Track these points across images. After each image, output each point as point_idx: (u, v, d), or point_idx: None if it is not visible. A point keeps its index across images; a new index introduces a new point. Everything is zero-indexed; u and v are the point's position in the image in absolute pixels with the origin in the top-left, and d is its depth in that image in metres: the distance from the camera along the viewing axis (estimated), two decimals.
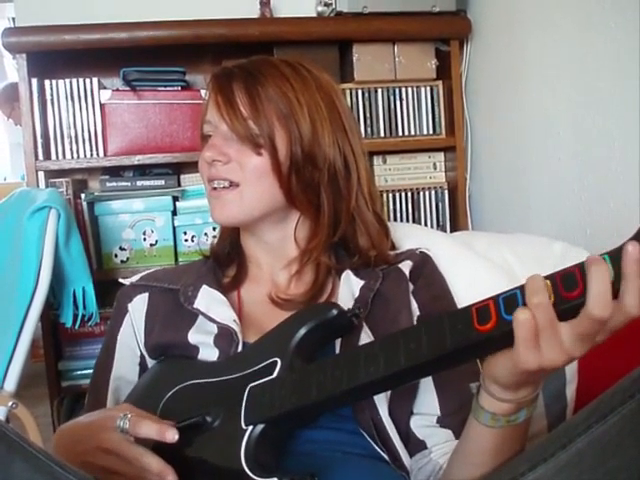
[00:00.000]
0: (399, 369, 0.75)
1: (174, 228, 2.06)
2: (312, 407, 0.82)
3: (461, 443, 0.87)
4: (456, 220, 2.15)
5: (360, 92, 2.09)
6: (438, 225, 2.15)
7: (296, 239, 1.09)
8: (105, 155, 2.00)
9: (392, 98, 2.11)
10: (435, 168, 2.18)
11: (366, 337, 0.97)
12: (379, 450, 0.94)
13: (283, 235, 1.09)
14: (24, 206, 1.57)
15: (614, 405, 0.68)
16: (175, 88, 2.04)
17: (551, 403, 1.16)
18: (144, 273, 1.15)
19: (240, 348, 0.98)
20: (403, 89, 2.12)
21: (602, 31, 1.51)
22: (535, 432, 1.07)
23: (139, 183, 2.03)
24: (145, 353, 1.07)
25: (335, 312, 0.91)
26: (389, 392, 0.95)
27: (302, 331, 0.90)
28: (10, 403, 1.44)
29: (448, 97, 2.14)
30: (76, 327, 1.73)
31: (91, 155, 2.00)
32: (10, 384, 1.47)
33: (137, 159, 1.98)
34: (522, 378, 0.72)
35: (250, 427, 0.84)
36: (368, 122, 2.10)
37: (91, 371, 1.14)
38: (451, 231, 2.12)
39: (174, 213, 2.06)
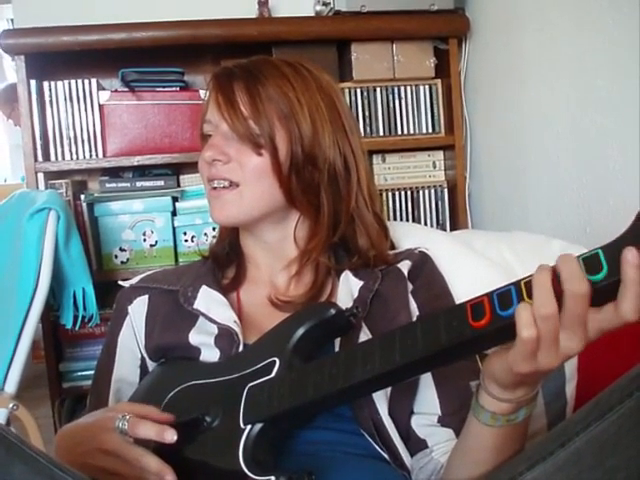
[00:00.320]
0: (395, 366, 0.75)
1: (174, 229, 2.06)
2: (310, 406, 0.83)
3: (461, 442, 0.87)
4: (455, 219, 2.15)
5: (359, 91, 2.09)
6: (438, 224, 2.15)
7: (295, 239, 1.09)
8: (104, 156, 2.00)
9: (391, 97, 2.11)
10: (434, 167, 2.18)
11: (365, 337, 0.97)
12: (379, 450, 0.94)
13: (283, 235, 1.09)
14: (24, 208, 1.57)
15: (612, 404, 0.68)
16: (174, 88, 2.04)
17: (551, 401, 1.16)
18: (143, 275, 1.15)
19: (241, 349, 0.98)
20: (402, 88, 2.12)
21: (600, 29, 1.51)
22: (535, 430, 1.08)
23: (138, 184, 2.03)
24: (145, 355, 1.07)
25: (333, 311, 0.91)
26: (389, 391, 0.95)
27: (300, 331, 0.90)
28: (11, 405, 1.44)
29: (447, 95, 2.14)
30: (76, 328, 1.73)
31: (90, 156, 2.00)
32: (11, 386, 1.47)
33: (136, 160, 1.99)
34: (519, 379, 0.73)
35: (248, 426, 0.84)
36: (367, 121, 2.10)
37: (92, 372, 1.15)
38: (451, 230, 2.12)
39: (174, 214, 2.06)
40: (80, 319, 1.69)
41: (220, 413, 0.88)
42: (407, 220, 2.12)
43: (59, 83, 1.98)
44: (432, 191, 2.16)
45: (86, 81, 1.99)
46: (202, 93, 1.97)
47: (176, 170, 2.10)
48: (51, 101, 1.98)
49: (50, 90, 1.98)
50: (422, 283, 1.08)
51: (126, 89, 2.01)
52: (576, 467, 0.68)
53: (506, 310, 0.69)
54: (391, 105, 2.11)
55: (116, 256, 2.03)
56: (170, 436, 0.82)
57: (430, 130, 2.14)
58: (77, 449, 0.88)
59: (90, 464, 0.85)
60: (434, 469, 0.95)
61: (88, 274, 1.69)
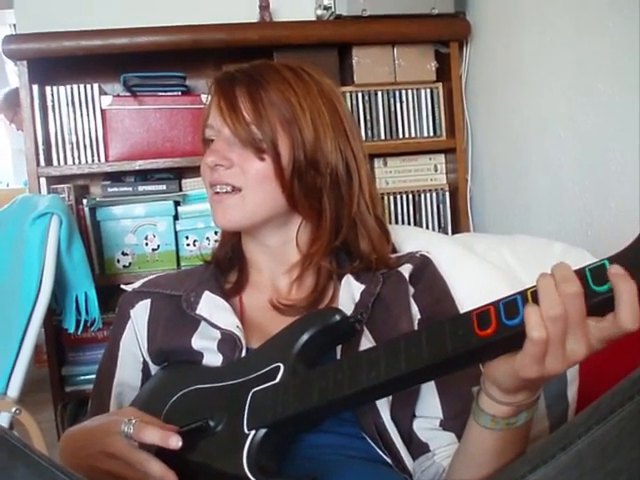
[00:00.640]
0: (400, 374, 0.75)
1: (176, 233, 2.06)
2: (314, 412, 0.83)
3: (462, 445, 0.87)
4: (457, 222, 2.15)
5: (360, 95, 2.09)
6: (439, 227, 2.16)
7: (297, 244, 1.09)
8: (106, 160, 2.00)
9: (392, 101, 2.11)
10: (436, 170, 2.18)
11: (367, 341, 0.98)
12: (382, 453, 0.94)
13: (285, 240, 1.09)
14: (26, 212, 1.58)
15: (614, 406, 0.68)
16: (175, 93, 2.04)
17: (553, 404, 1.16)
18: (146, 279, 1.15)
19: (244, 354, 0.98)
20: (403, 91, 2.12)
21: (600, 32, 1.51)
22: (537, 433, 1.08)
23: (140, 188, 2.03)
24: (148, 359, 1.07)
25: (338, 318, 0.91)
26: (391, 396, 0.95)
27: (305, 337, 0.90)
28: (14, 409, 1.44)
29: (448, 99, 2.14)
30: (79, 332, 1.73)
31: (92, 161, 2.01)
32: (13, 390, 1.48)
33: (138, 164, 1.99)
34: (522, 383, 0.73)
35: (253, 432, 0.84)
36: (368, 125, 2.10)
37: (94, 376, 1.15)
38: (452, 233, 2.12)
39: (176, 218, 2.06)
40: (82, 323, 1.69)
41: (224, 418, 0.88)
42: (409, 224, 2.12)
43: (61, 88, 1.98)
44: (433, 194, 2.16)
45: (88, 86, 1.99)
46: (204, 97, 1.97)
47: (178, 174, 2.11)
48: (53, 106, 1.98)
49: (52, 95, 1.98)
50: (423, 287, 1.08)
51: (128, 94, 2.01)
52: (578, 470, 0.68)
53: (512, 319, 0.69)
54: (392, 109, 2.11)
55: (118, 260, 2.03)
56: (175, 442, 0.82)
57: (431, 133, 2.14)
58: (81, 452, 0.88)
59: (94, 467, 0.85)
60: (436, 473, 0.95)
61: (90, 278, 1.69)
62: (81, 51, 1.92)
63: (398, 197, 2.14)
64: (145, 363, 1.08)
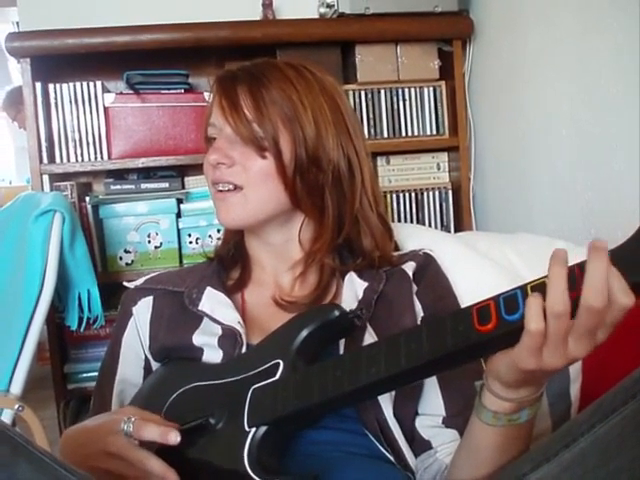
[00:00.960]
0: (400, 370, 0.75)
1: (178, 230, 2.06)
2: (315, 408, 0.83)
3: (464, 441, 0.87)
4: (460, 220, 2.16)
5: (363, 93, 2.09)
6: (442, 225, 2.16)
7: (300, 241, 1.09)
8: (109, 158, 2.01)
9: (395, 99, 2.11)
10: (439, 168, 2.18)
11: (370, 338, 0.98)
12: (384, 450, 0.94)
13: (287, 237, 1.09)
14: (29, 210, 1.58)
15: (616, 405, 0.68)
16: (178, 91, 2.04)
17: (555, 402, 1.16)
18: (148, 276, 1.15)
19: (244, 350, 0.98)
20: (406, 90, 2.12)
21: (604, 31, 1.51)
22: (540, 431, 1.07)
23: (143, 186, 2.04)
24: (150, 356, 1.07)
25: (337, 313, 0.91)
26: (393, 392, 0.95)
27: (304, 333, 0.90)
28: (16, 406, 1.44)
29: (451, 97, 2.14)
30: (81, 330, 1.73)
31: (95, 158, 2.01)
32: (16, 387, 1.48)
33: (141, 162, 1.99)
34: (523, 377, 0.73)
35: (253, 429, 0.84)
36: (371, 123, 2.10)
37: (97, 374, 1.15)
38: (455, 231, 2.12)
39: (178, 215, 2.07)
40: (85, 321, 1.69)
41: (224, 415, 0.88)
42: (411, 222, 2.12)
43: (64, 86, 1.99)
44: (436, 193, 2.16)
45: (91, 83, 2.00)
46: (207, 95, 1.97)
47: (181, 172, 2.11)
48: (56, 103, 1.99)
49: (55, 93, 1.99)
50: (427, 284, 1.08)
51: (131, 91, 2.02)
52: (580, 468, 0.68)
53: (512, 314, 0.68)
54: (395, 107, 2.11)
55: (121, 258, 2.04)
56: (174, 438, 0.82)
57: (434, 132, 2.14)
58: (82, 451, 0.88)
59: (95, 466, 0.85)
60: (438, 470, 0.95)
61: (93, 276, 1.69)
62: (84, 49, 1.93)
63: (401, 195, 2.14)
64: (147, 360, 1.08)
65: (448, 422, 0.97)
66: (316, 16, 2.13)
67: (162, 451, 0.83)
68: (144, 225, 2.04)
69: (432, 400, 0.99)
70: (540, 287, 0.68)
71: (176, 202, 2.06)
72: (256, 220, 1.05)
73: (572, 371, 1.16)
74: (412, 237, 1.23)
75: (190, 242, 2.06)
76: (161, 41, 1.95)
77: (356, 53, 2.06)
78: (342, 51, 2.09)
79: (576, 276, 0.66)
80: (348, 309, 0.96)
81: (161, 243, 2.05)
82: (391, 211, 2.11)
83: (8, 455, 0.67)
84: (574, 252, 1.22)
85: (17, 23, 2.36)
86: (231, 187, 1.03)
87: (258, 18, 2.11)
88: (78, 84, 1.99)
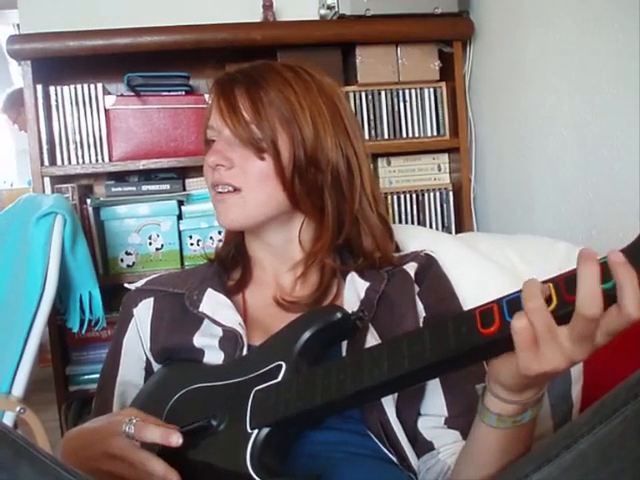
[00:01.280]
0: (403, 372, 0.75)
1: (179, 232, 2.06)
2: (317, 410, 0.83)
3: (468, 444, 0.87)
4: (461, 221, 2.15)
5: (364, 94, 2.09)
6: (443, 226, 2.15)
7: (300, 242, 1.09)
8: (110, 160, 2.01)
9: (396, 100, 2.11)
10: (439, 169, 2.18)
11: (372, 339, 0.98)
12: (386, 451, 0.94)
13: (288, 238, 1.09)
14: (30, 212, 1.58)
15: (617, 406, 0.68)
16: (179, 93, 2.05)
17: (557, 403, 1.16)
18: (149, 278, 1.15)
19: (245, 351, 0.98)
20: (407, 91, 2.12)
21: (604, 31, 1.51)
22: (541, 433, 1.07)
23: (144, 188, 2.04)
24: (151, 358, 1.07)
25: (339, 315, 0.91)
26: (396, 394, 0.95)
27: (306, 334, 0.90)
28: (18, 408, 1.44)
29: (452, 98, 2.14)
30: (83, 332, 1.73)
31: (96, 160, 2.01)
32: (18, 389, 1.48)
33: (142, 164, 1.99)
34: (525, 381, 0.73)
35: (255, 431, 0.84)
36: (372, 124, 2.10)
37: (98, 376, 1.15)
38: (456, 232, 2.11)
39: (179, 217, 2.06)
40: (87, 323, 1.69)
41: (226, 417, 0.88)
42: (412, 223, 2.12)
43: (65, 88, 1.99)
44: (437, 194, 2.16)
45: (92, 86, 2.00)
46: (207, 97, 1.95)
47: (182, 174, 2.11)
48: (57, 106, 1.99)
49: (56, 95, 1.99)
50: (428, 285, 1.08)
51: (132, 93, 2.02)
52: (581, 469, 0.68)
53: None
54: (396, 108, 2.11)
55: (122, 260, 2.04)
56: (176, 439, 0.82)
57: (435, 133, 2.14)
58: (83, 453, 0.88)
59: (96, 468, 0.85)
60: (441, 471, 0.95)
61: (94, 278, 1.69)
62: (85, 51, 1.93)
63: (402, 196, 2.13)
64: (148, 362, 1.08)
65: (450, 423, 0.97)
66: (316, 18, 2.13)
67: (164, 453, 0.83)
68: (145, 227, 2.04)
69: (434, 401, 0.99)
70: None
71: (177, 204, 2.06)
72: (255, 221, 1.05)
73: (573, 372, 1.16)
74: (413, 238, 1.23)
75: (191, 244, 2.06)
76: (162, 43, 1.95)
77: (356, 54, 2.06)
78: (342, 53, 2.09)
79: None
80: (350, 309, 0.96)
81: (162, 245, 2.05)
82: (392, 212, 2.11)
83: (10, 458, 0.67)
84: (574, 253, 1.23)
85: (18, 25, 2.36)
86: (230, 189, 1.03)
87: (258, 20, 2.11)
88: (79, 86, 1.99)
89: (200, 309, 1.05)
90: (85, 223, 1.99)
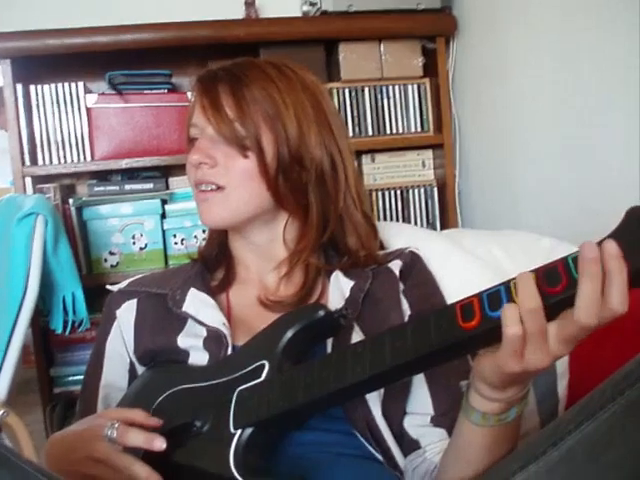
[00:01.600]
0: (385, 368, 0.75)
1: (163, 231, 2.05)
2: (300, 409, 0.82)
3: (452, 442, 0.87)
4: (446, 218, 2.15)
5: (347, 91, 2.09)
6: (428, 223, 2.15)
7: (285, 240, 1.08)
8: (92, 159, 2.00)
9: (379, 96, 2.11)
10: (424, 166, 2.18)
11: (357, 338, 0.97)
12: (373, 450, 0.94)
13: (272, 236, 1.09)
14: (11, 213, 1.56)
15: (604, 402, 0.67)
16: (161, 91, 2.03)
17: (543, 399, 1.16)
18: (132, 279, 1.14)
19: (230, 351, 0.98)
20: (390, 87, 2.12)
21: (586, 27, 1.51)
22: (528, 429, 1.07)
23: (127, 187, 2.02)
24: (135, 360, 1.06)
25: (322, 313, 0.91)
26: (382, 392, 0.94)
27: (289, 333, 0.90)
28: (1, 411, 1.43)
29: (435, 94, 2.14)
30: (66, 333, 1.72)
31: (78, 160, 2.00)
32: (1, 392, 1.46)
33: (125, 163, 1.98)
34: (509, 378, 0.73)
35: (239, 431, 0.84)
36: (356, 121, 2.09)
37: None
38: (441, 229, 2.12)
39: (163, 216, 2.05)
40: (70, 324, 1.68)
41: (210, 418, 0.87)
42: (397, 220, 2.12)
43: (46, 87, 1.97)
44: (422, 190, 2.16)
45: (73, 84, 1.98)
46: (190, 95, 1.94)
47: (165, 172, 2.10)
48: (38, 105, 1.97)
49: (37, 94, 1.97)
50: (413, 283, 1.07)
51: (113, 92, 2.00)
52: (568, 466, 0.68)
53: (496, 311, 0.68)
54: (379, 105, 2.11)
55: (106, 260, 2.02)
56: (159, 444, 0.81)
57: (419, 129, 2.14)
58: (67, 456, 0.88)
59: (80, 472, 0.84)
60: (427, 469, 0.94)
61: (77, 279, 1.68)
62: (65, 49, 1.91)
63: (386, 193, 2.13)
64: (132, 364, 1.07)
65: (436, 421, 0.97)
66: (299, 14, 2.12)
67: (148, 454, 0.83)
68: (129, 226, 2.03)
69: (420, 399, 0.98)
70: None
71: (161, 203, 2.04)
72: (239, 220, 1.04)
73: (559, 368, 1.16)
74: (398, 235, 1.23)
75: (175, 243, 2.05)
76: (143, 41, 1.93)
77: (339, 51, 2.06)
78: (325, 49, 2.09)
79: (559, 272, 0.66)
80: (334, 308, 0.95)
81: (146, 244, 2.04)
82: (377, 209, 2.11)
83: None
84: (559, 248, 1.24)
85: None
86: (214, 187, 1.02)
87: (241, 17, 2.10)
88: (60, 85, 1.98)
89: (183, 309, 1.04)
90: (68, 223, 1.98)
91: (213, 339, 0.99)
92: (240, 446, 0.83)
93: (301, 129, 1.03)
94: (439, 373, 0.95)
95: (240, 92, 1.01)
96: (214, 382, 0.92)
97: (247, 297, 1.08)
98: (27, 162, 1.96)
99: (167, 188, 2.08)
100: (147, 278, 1.15)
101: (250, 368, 0.89)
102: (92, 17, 1.99)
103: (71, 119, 1.99)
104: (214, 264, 1.13)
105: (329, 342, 0.97)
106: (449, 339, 0.71)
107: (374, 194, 2.11)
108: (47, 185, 1.99)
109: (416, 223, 2.14)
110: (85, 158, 2.00)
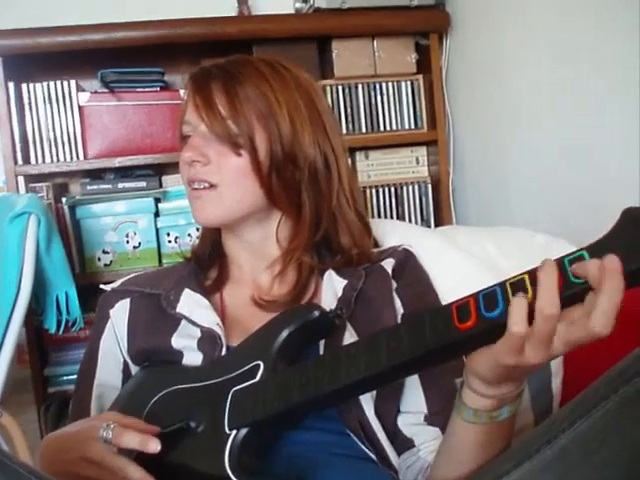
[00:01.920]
0: (380, 369, 0.75)
1: (157, 230, 2.04)
2: (295, 410, 0.82)
3: (445, 440, 0.87)
4: (440, 214, 2.15)
5: (340, 88, 2.08)
6: (422, 220, 2.15)
7: (278, 239, 1.08)
8: (85, 158, 1.99)
9: (373, 93, 2.10)
10: (418, 162, 2.18)
11: (350, 337, 0.97)
12: (366, 450, 0.93)
13: (265, 235, 1.08)
14: (4, 212, 1.55)
15: (597, 400, 0.67)
16: (154, 89, 2.02)
17: (537, 397, 1.16)
18: (125, 278, 1.14)
19: (224, 351, 0.97)
20: (383, 84, 2.11)
21: (582, 23, 1.51)
22: (522, 426, 1.08)
23: (120, 185, 2.01)
24: (128, 359, 1.06)
25: (317, 313, 0.91)
26: (374, 392, 0.94)
27: (284, 334, 0.90)
28: None
29: (429, 91, 2.13)
30: (60, 333, 1.71)
31: (71, 158, 1.98)
32: None
33: (118, 161, 1.97)
34: (503, 373, 0.72)
35: (234, 431, 0.83)
36: (349, 118, 2.09)
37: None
38: (435, 226, 2.12)
39: (157, 215, 2.04)
40: (64, 323, 1.67)
41: (205, 418, 0.87)
42: (391, 217, 2.12)
43: (38, 85, 1.96)
44: (416, 187, 2.16)
45: (65, 82, 1.97)
46: (182, 93, 1.94)
47: (158, 171, 2.09)
48: (30, 103, 1.96)
49: (29, 92, 1.96)
50: (406, 281, 1.07)
51: (106, 90, 1.99)
52: (563, 464, 0.67)
53: (492, 311, 0.68)
54: (373, 101, 2.10)
55: (99, 259, 2.02)
56: (154, 446, 0.81)
57: (412, 126, 2.14)
58: (61, 457, 0.87)
59: (74, 473, 0.84)
60: (421, 468, 0.94)
61: (71, 278, 1.67)
62: (57, 47, 1.90)
63: (380, 190, 2.13)
64: (126, 363, 1.07)
65: (430, 420, 0.97)
66: (292, 11, 2.12)
67: (142, 456, 0.82)
68: (122, 225, 2.02)
69: (414, 398, 0.98)
70: (520, 284, 0.68)
71: (154, 201, 2.03)
72: (232, 218, 1.04)
73: (553, 365, 1.16)
74: (391, 233, 1.22)
75: (169, 241, 2.05)
76: (135, 38, 1.92)
77: (333, 48, 2.05)
78: (318, 46, 2.08)
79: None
80: (328, 307, 0.95)
81: (140, 243, 2.03)
82: (370, 206, 2.10)
83: None
84: (553, 244, 1.24)
85: None
86: (206, 185, 1.02)
87: (234, 14, 2.09)
88: (52, 83, 1.96)
89: (177, 310, 1.04)
90: (61, 222, 1.97)
91: (207, 340, 0.99)
92: (235, 446, 0.82)
93: (294, 127, 1.03)
94: (432, 372, 0.95)
95: (233, 90, 1.01)
96: (209, 383, 0.92)
97: (241, 297, 1.08)
98: (19, 161, 1.95)
99: (160, 186, 2.07)
100: (140, 277, 1.14)
101: (245, 369, 0.89)
102: (84, 15, 1.98)
103: (63, 117, 1.97)
104: (207, 263, 1.13)
105: (321, 342, 0.97)
106: (445, 340, 0.71)
107: (368, 191, 2.11)
108: (40, 184, 1.98)
109: (410, 220, 2.13)
110: (78, 157, 1.98)
